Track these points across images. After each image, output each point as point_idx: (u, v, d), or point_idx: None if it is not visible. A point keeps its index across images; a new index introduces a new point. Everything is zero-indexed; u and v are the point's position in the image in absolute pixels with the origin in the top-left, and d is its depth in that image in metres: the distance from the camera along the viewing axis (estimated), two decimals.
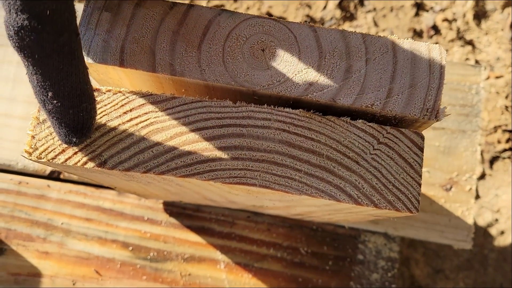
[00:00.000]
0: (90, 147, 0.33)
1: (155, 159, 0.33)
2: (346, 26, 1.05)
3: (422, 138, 0.34)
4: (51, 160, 0.33)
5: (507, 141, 0.98)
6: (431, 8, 1.05)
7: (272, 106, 0.34)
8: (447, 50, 1.03)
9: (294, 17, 1.06)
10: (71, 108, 0.29)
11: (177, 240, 0.65)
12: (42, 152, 0.33)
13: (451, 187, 0.67)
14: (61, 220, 0.65)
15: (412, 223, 0.66)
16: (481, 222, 0.96)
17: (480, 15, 1.04)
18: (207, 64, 0.34)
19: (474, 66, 0.71)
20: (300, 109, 0.34)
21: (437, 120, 0.34)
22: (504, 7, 1.03)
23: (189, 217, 0.66)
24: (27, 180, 0.66)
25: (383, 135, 0.34)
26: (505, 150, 0.98)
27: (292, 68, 0.34)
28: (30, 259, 0.64)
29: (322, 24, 1.05)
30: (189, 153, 0.33)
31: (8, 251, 0.64)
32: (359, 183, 0.33)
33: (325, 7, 1.06)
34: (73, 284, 0.63)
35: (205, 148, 0.33)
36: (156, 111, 0.34)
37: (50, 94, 0.28)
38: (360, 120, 0.34)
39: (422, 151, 0.34)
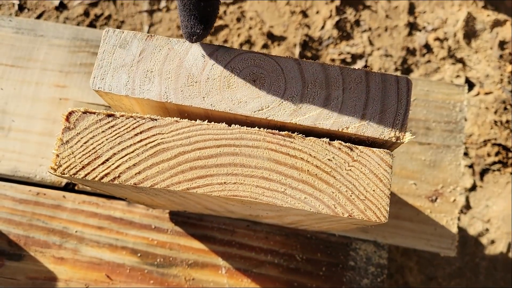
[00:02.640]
0: (106, 164, 0.39)
1: (161, 174, 0.39)
2: (343, 45, 1.11)
3: (391, 156, 0.39)
4: (72, 176, 0.39)
5: (497, 154, 1.02)
6: (424, 27, 1.11)
7: (262, 129, 0.39)
8: (439, 68, 1.08)
9: (293, 37, 1.12)
10: (202, 0, 0.36)
11: (182, 247, 0.71)
12: (65, 169, 0.39)
13: (436, 198, 0.72)
14: (76, 228, 0.71)
15: (400, 231, 0.71)
16: (472, 232, 1.01)
17: (470, 34, 1.10)
18: (206, 93, 0.40)
19: (458, 85, 0.76)
20: (286, 131, 0.39)
21: (403, 142, 0.39)
22: (493, 26, 1.08)
23: (193, 226, 0.71)
24: (44, 191, 0.72)
25: (357, 154, 0.39)
26: (494, 162, 1.03)
27: (279, 97, 0.40)
28: (46, 264, 0.69)
29: (320, 43, 1.11)
30: (190, 169, 0.39)
31: (27, 257, 0.70)
32: (336, 195, 0.38)
33: (323, 27, 1.12)
34: None
35: (204, 165, 0.39)
36: (162, 133, 0.39)
37: None
38: (337, 141, 0.39)
39: (391, 168, 0.39)
